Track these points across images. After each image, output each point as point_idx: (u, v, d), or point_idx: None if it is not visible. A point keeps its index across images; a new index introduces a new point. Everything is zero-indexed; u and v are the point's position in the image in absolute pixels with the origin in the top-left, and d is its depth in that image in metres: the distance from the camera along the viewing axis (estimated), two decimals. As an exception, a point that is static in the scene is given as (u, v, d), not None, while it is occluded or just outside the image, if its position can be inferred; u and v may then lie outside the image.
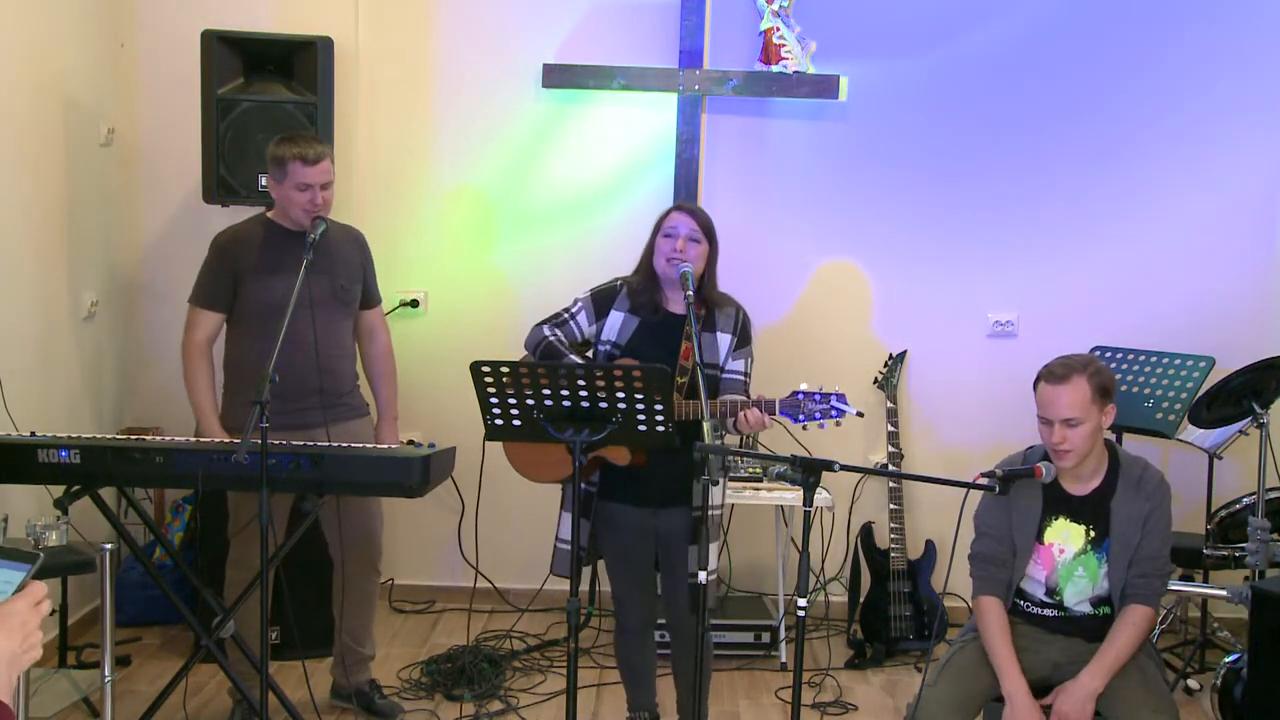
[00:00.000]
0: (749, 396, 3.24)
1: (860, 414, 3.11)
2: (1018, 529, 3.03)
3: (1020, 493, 3.01)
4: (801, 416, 3.06)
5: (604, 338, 3.30)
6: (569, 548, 3.36)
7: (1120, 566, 2.94)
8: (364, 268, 3.77)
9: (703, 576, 2.85)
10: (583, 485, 3.33)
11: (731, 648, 4.43)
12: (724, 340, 3.27)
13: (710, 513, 3.25)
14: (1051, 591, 3.03)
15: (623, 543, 3.37)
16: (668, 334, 3.24)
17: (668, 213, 3.34)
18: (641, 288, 3.31)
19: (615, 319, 3.31)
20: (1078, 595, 3.01)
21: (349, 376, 3.75)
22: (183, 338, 3.64)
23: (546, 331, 3.34)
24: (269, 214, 3.67)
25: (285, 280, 3.37)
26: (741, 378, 3.29)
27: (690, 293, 3.14)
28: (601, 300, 3.35)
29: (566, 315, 3.36)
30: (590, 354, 3.35)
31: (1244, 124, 4.80)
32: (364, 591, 3.80)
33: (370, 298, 3.82)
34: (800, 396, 3.07)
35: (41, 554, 1.58)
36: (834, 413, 3.05)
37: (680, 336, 3.22)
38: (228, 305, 3.60)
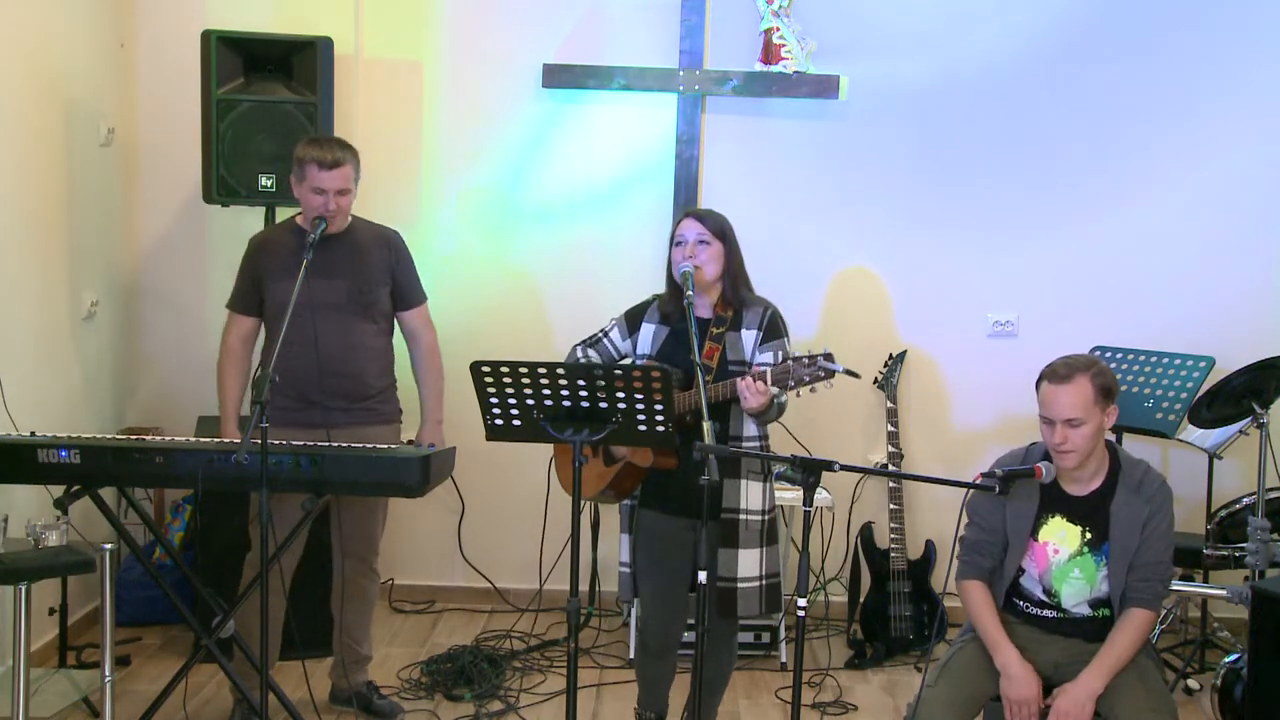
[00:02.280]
0: None
1: (851, 372, 2.97)
2: (1012, 524, 3.03)
3: (1017, 489, 3.00)
4: (792, 383, 2.99)
5: (639, 351, 3.33)
6: (630, 570, 3.37)
7: (1120, 570, 2.94)
8: (393, 269, 3.71)
9: (702, 576, 2.84)
10: (626, 501, 3.37)
11: (731, 648, 4.43)
12: (748, 337, 3.24)
13: (745, 517, 3.22)
14: (1049, 592, 3.03)
15: (657, 552, 3.32)
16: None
17: (678, 221, 3.35)
18: (669, 298, 3.33)
19: (647, 331, 3.33)
20: (1075, 597, 3.01)
21: (372, 381, 3.68)
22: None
23: (579, 353, 3.39)
24: (298, 218, 3.69)
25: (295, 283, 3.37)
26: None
27: (690, 293, 3.14)
28: (633, 317, 3.39)
29: (600, 334, 3.41)
30: None
31: (1244, 124, 4.80)
32: (362, 590, 3.81)
33: (406, 299, 3.76)
34: (789, 363, 3.00)
35: None
36: (822, 374, 2.97)
37: (706, 339, 3.21)
38: (256, 308, 3.65)
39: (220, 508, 4.02)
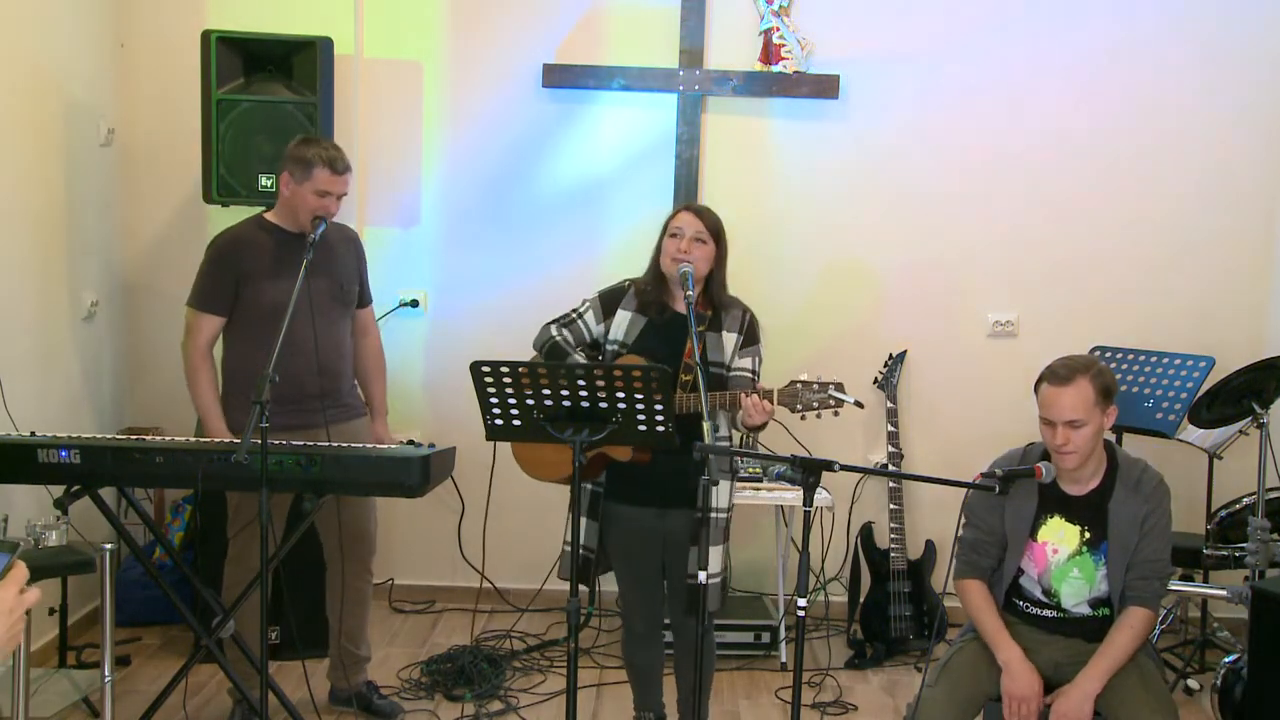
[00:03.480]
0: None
1: (859, 404, 3.06)
2: (1010, 524, 3.03)
3: (1015, 489, 3.00)
4: (799, 406, 3.04)
5: (611, 337, 3.31)
6: (581, 553, 3.36)
7: (1119, 569, 2.94)
8: (359, 267, 3.78)
9: (702, 576, 2.85)
10: (589, 485, 3.34)
11: (731, 648, 4.43)
12: (729, 339, 3.26)
13: (715, 515, 3.25)
14: (1048, 592, 3.02)
15: (629, 544, 3.36)
16: (674, 333, 3.24)
17: (675, 213, 3.35)
18: (649, 287, 3.31)
19: (622, 318, 3.31)
20: (1075, 596, 3.00)
21: (347, 377, 3.75)
22: (184, 342, 3.62)
23: (554, 331, 3.35)
24: (267, 215, 3.66)
25: (289, 283, 3.35)
26: (749, 375, 3.27)
27: (690, 292, 3.14)
28: (609, 300, 3.36)
29: (574, 315, 3.38)
30: (600, 355, 3.35)
31: (1244, 123, 4.80)
32: (358, 592, 3.80)
33: (364, 297, 3.84)
34: (798, 386, 3.05)
35: (20, 543, 1.56)
36: (831, 402, 3.03)
37: (687, 337, 3.22)
38: (228, 309, 3.59)
39: (220, 508, 4.01)
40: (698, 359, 3.02)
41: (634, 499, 3.31)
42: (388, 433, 3.86)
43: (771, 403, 3.03)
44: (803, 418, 3.08)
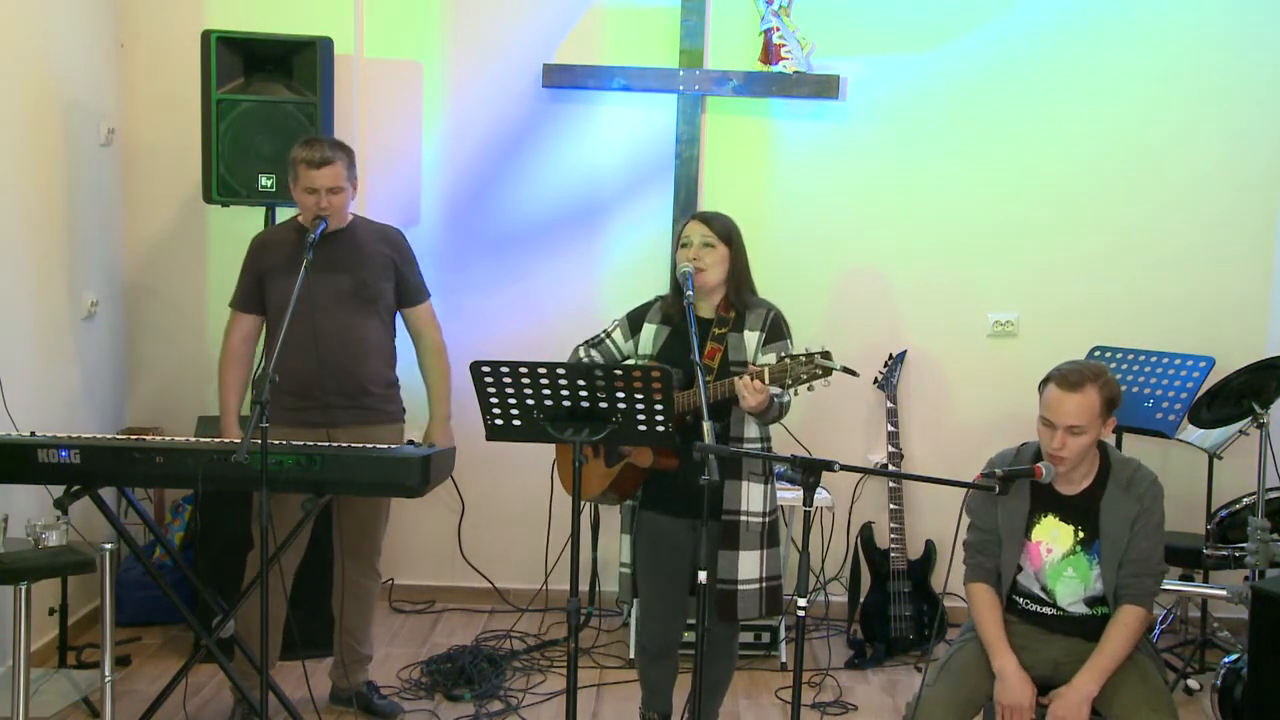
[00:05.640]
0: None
1: (849, 370, 2.96)
2: (1004, 523, 3.03)
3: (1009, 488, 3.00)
4: (790, 381, 2.99)
5: (640, 351, 3.33)
6: (630, 571, 3.37)
7: (1112, 568, 2.94)
8: (396, 265, 3.73)
9: (702, 577, 2.83)
10: (629, 502, 3.36)
11: (731, 648, 4.43)
12: (751, 338, 3.25)
13: (745, 519, 3.23)
14: (1045, 590, 3.03)
15: (657, 553, 3.32)
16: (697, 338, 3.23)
17: (684, 223, 3.35)
18: (672, 300, 3.33)
19: (648, 331, 3.33)
20: (1071, 595, 3.01)
21: (375, 377, 3.69)
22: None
23: (582, 353, 3.39)
24: (299, 217, 3.72)
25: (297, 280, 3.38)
26: None
27: (690, 293, 3.15)
28: (635, 318, 3.39)
29: (603, 335, 3.41)
30: None
31: (1244, 123, 4.80)
32: (364, 590, 3.81)
33: (410, 296, 3.78)
34: (787, 362, 3.00)
35: None
36: (820, 372, 2.97)
37: (708, 339, 3.22)
38: (259, 306, 3.66)
39: (220, 508, 4.01)
40: (698, 358, 3.02)
41: (668, 509, 3.28)
42: (442, 437, 3.78)
43: (763, 381, 3.00)
44: (795, 392, 3.05)
